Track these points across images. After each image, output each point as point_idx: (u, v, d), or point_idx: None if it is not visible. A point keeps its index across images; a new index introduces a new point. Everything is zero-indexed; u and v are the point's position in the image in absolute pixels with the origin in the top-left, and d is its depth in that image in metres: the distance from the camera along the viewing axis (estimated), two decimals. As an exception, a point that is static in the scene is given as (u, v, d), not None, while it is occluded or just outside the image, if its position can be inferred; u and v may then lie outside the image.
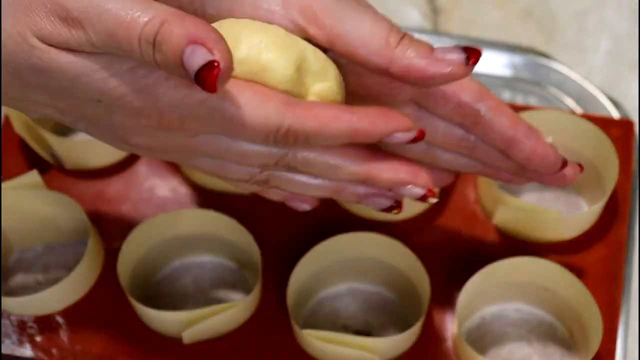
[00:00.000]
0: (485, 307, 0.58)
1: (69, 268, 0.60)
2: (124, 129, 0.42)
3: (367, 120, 0.41)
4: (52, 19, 0.38)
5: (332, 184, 0.44)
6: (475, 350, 0.54)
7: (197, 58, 0.36)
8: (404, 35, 0.42)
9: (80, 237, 0.61)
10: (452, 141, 0.48)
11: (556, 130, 0.61)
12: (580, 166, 0.50)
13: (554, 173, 0.48)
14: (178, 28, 0.37)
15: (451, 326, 0.57)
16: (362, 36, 0.42)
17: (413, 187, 0.44)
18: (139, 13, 0.37)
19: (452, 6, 0.75)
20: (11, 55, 0.39)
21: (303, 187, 0.45)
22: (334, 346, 0.53)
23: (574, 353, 0.57)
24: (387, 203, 0.45)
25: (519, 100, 0.70)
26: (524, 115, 0.61)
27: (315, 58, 0.42)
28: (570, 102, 0.70)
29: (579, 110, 0.69)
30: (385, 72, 0.42)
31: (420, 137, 0.43)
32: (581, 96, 0.70)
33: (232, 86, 0.40)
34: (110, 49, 0.38)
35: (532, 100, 0.70)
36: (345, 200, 0.46)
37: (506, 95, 0.71)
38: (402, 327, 0.57)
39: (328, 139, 0.41)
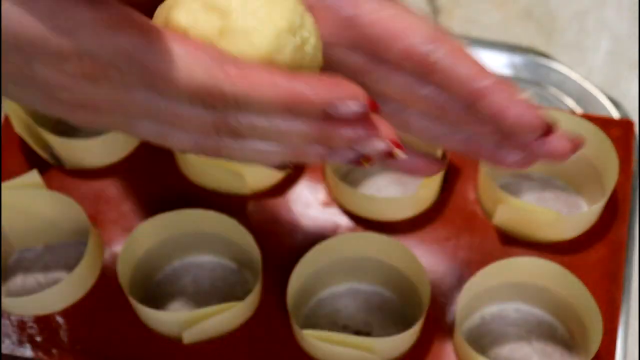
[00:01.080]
0: (485, 307, 0.58)
1: (69, 268, 0.60)
2: (47, 83, 0.38)
3: (307, 86, 0.38)
4: None
5: (290, 149, 0.40)
6: (475, 350, 0.54)
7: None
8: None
9: (80, 237, 0.60)
10: (414, 97, 0.44)
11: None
12: (577, 142, 0.44)
13: (534, 135, 0.43)
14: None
15: (451, 326, 0.57)
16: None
17: (376, 141, 0.40)
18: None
19: (452, 6, 0.75)
20: None
21: (259, 155, 0.40)
22: (334, 346, 0.53)
23: (573, 353, 0.57)
24: (351, 154, 0.41)
25: (519, 100, 0.70)
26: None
27: (304, 21, 0.39)
28: (570, 102, 0.70)
29: (579, 110, 0.69)
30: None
31: (372, 108, 0.39)
32: (581, 96, 0.70)
33: (160, 37, 0.37)
34: None
35: (532, 101, 0.70)
36: (311, 162, 0.43)
37: (506, 95, 0.71)
38: (402, 327, 0.57)
39: (263, 106, 0.38)
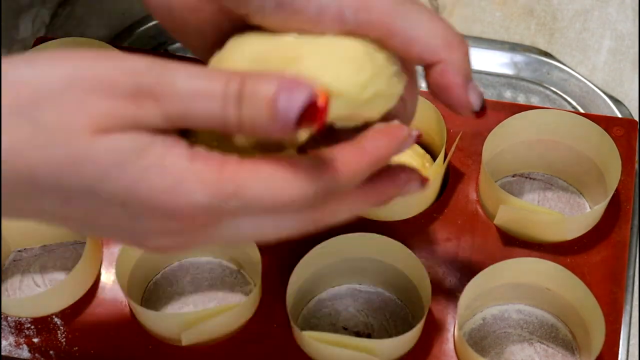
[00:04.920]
0: (487, 308, 0.58)
1: (67, 269, 0.60)
2: (145, 234, 0.38)
3: (377, 150, 0.39)
4: (114, 96, 0.34)
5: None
6: (477, 352, 0.54)
7: (296, 98, 0.34)
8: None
9: (78, 237, 0.60)
10: None
11: (558, 130, 0.61)
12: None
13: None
14: (266, 83, 0.35)
15: (452, 327, 0.57)
16: (419, 36, 0.41)
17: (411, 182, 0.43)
18: (211, 80, 0.35)
19: (453, 4, 0.75)
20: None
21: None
22: (334, 348, 0.53)
23: (576, 354, 0.57)
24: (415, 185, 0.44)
25: (521, 99, 0.70)
26: (525, 115, 0.61)
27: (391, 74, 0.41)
28: (572, 102, 0.70)
29: (581, 109, 0.69)
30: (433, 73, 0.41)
31: (417, 136, 0.42)
32: (583, 95, 0.70)
33: (262, 166, 0.37)
34: (181, 121, 0.35)
35: (534, 100, 0.70)
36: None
37: (508, 95, 0.71)
38: (403, 328, 0.57)
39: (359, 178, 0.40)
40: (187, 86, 0.35)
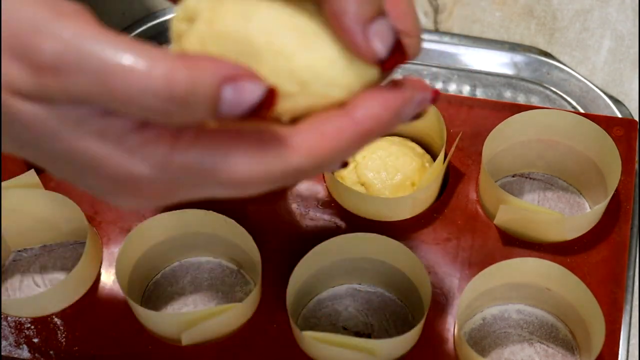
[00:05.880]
0: (487, 308, 0.58)
1: (67, 269, 0.60)
2: (99, 191, 0.37)
3: (369, 119, 0.36)
4: (19, 64, 0.33)
5: None
6: (477, 352, 0.54)
7: (245, 96, 0.33)
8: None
9: (78, 237, 0.60)
10: None
11: (558, 130, 0.61)
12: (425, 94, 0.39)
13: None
14: (196, 74, 0.33)
15: (452, 327, 0.57)
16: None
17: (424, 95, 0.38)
18: (137, 59, 0.32)
19: (453, 5, 0.75)
20: None
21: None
22: (333, 348, 0.53)
23: (576, 354, 0.57)
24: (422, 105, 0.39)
25: (521, 99, 0.70)
26: (525, 115, 0.61)
27: None
28: (572, 102, 0.70)
29: (581, 109, 0.69)
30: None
31: (430, 97, 0.38)
32: (583, 95, 0.70)
33: (218, 140, 0.35)
34: (94, 101, 0.33)
35: (534, 100, 0.70)
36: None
37: (508, 94, 0.71)
38: (403, 328, 0.57)
39: (344, 155, 0.36)
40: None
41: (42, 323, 0.57)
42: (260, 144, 0.36)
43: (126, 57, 0.33)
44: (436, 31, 0.73)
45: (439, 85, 0.71)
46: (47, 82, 0.33)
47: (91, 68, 0.32)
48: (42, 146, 0.35)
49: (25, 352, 0.56)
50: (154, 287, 0.60)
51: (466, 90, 0.70)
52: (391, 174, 0.61)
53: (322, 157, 0.36)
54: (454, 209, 0.61)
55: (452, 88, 0.71)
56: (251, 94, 0.33)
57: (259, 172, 0.35)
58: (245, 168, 0.35)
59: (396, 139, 0.63)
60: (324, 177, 0.62)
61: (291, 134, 0.36)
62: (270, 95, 0.34)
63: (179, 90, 0.33)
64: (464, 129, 0.63)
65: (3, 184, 0.59)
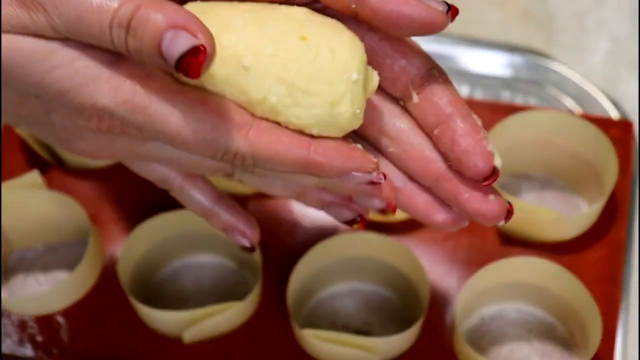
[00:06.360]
0: (485, 307, 0.58)
1: (70, 268, 0.60)
2: (64, 132, 0.40)
3: (323, 156, 0.38)
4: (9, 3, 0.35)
5: (294, 187, 0.44)
6: (475, 350, 0.54)
7: (180, 43, 0.34)
8: None
9: (81, 237, 0.60)
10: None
11: (555, 131, 0.61)
12: (510, 210, 0.42)
13: (476, 177, 0.40)
14: (155, 13, 0.35)
15: (451, 326, 0.57)
16: None
17: (377, 200, 0.42)
18: None
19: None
20: None
21: (267, 187, 0.44)
22: (334, 346, 0.53)
23: (573, 353, 0.57)
24: (348, 214, 0.44)
25: (519, 100, 0.70)
26: (523, 116, 0.61)
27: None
28: (569, 103, 0.70)
29: (578, 110, 0.69)
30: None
31: (381, 179, 0.40)
32: (580, 96, 0.70)
33: (181, 98, 0.37)
34: (76, 34, 0.36)
35: (532, 101, 0.70)
36: (310, 205, 0.45)
37: (506, 96, 0.71)
38: (402, 326, 0.57)
39: (278, 167, 0.39)
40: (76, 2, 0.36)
41: (45, 321, 0.58)
42: (209, 108, 0.37)
43: None
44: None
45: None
46: (38, 17, 0.35)
47: (71, 4, 0.35)
48: (12, 83, 0.37)
49: (28, 350, 0.57)
50: (155, 286, 0.60)
51: (464, 91, 0.71)
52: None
53: (262, 152, 0.38)
54: (453, 209, 0.61)
55: (451, 89, 0.71)
56: (181, 43, 0.34)
57: (189, 132, 0.37)
58: (180, 126, 0.37)
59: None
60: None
61: (250, 120, 0.38)
62: (199, 51, 0.34)
63: (134, 24, 0.35)
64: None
65: (7, 184, 0.59)
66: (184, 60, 0.35)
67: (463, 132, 0.40)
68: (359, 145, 0.40)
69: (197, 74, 0.35)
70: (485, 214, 0.41)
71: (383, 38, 0.40)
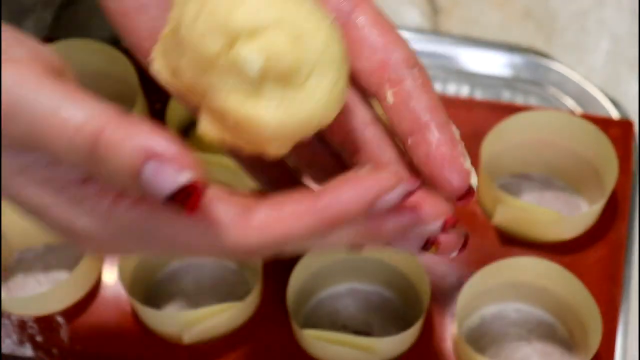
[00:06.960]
0: (485, 307, 0.59)
1: (70, 268, 0.60)
2: (54, 234, 0.36)
3: (340, 203, 0.33)
4: None
5: (345, 246, 0.37)
6: (475, 350, 0.54)
7: (164, 181, 0.30)
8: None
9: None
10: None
11: (555, 131, 0.61)
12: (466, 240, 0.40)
13: (450, 195, 0.39)
14: (124, 139, 0.30)
15: (451, 326, 0.57)
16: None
17: (423, 225, 0.37)
18: (69, 112, 0.31)
19: (452, 6, 0.75)
20: None
21: (330, 247, 0.37)
22: (333, 346, 0.54)
23: (573, 353, 0.57)
24: (416, 244, 0.39)
25: (519, 100, 0.71)
26: (523, 116, 0.61)
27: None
28: (569, 102, 0.70)
29: (578, 110, 0.69)
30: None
31: (416, 183, 0.35)
32: (581, 96, 0.70)
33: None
34: (33, 150, 0.32)
35: (532, 101, 0.70)
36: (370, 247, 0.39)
37: (506, 95, 0.71)
38: (402, 327, 0.57)
39: (298, 242, 0.34)
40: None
41: (45, 321, 0.58)
42: (204, 216, 0.33)
43: (63, 109, 0.31)
44: (435, 32, 0.74)
45: (437, 86, 0.71)
46: None
47: (25, 118, 0.31)
48: None
49: (28, 350, 0.57)
50: (155, 286, 0.60)
51: (465, 91, 0.71)
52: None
53: (274, 239, 0.33)
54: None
55: (451, 89, 0.71)
56: (170, 181, 0.30)
57: (199, 245, 0.34)
58: (186, 239, 0.33)
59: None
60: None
61: (244, 211, 0.33)
62: (195, 189, 0.30)
63: (101, 152, 0.31)
64: (462, 130, 0.63)
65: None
66: (177, 199, 0.31)
67: (439, 144, 0.37)
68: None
69: (194, 212, 0.31)
70: (443, 249, 0.39)
71: (367, 25, 0.38)
